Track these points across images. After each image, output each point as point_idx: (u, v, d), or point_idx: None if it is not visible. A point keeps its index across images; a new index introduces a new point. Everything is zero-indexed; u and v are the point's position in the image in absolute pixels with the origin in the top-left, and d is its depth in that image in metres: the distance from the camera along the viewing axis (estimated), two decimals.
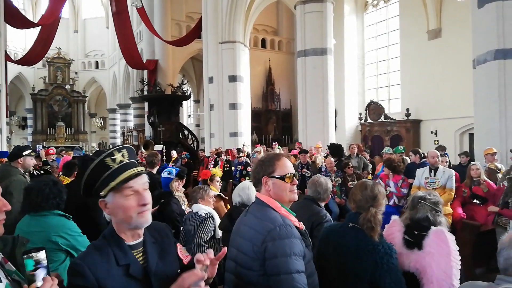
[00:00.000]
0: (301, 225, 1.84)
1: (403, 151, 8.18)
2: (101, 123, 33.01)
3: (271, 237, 1.69)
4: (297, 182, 1.95)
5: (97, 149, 19.19)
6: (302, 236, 1.80)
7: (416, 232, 2.28)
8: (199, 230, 3.39)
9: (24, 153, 4.43)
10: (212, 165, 10.31)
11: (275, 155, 1.96)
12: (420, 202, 2.38)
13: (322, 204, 3.01)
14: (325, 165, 7.35)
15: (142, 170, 1.46)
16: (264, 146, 11.19)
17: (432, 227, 2.25)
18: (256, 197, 1.93)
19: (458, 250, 2.14)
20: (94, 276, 1.29)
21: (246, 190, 3.20)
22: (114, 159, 1.40)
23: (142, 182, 1.42)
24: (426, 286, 2.13)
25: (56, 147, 15.83)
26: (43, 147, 20.03)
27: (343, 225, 2.22)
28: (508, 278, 1.50)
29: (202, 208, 3.54)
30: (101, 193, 1.37)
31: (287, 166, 1.89)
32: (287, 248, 1.68)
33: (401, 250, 2.25)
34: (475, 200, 5.33)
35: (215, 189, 4.43)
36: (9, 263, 1.29)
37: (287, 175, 1.84)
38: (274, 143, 12.85)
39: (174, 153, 11.67)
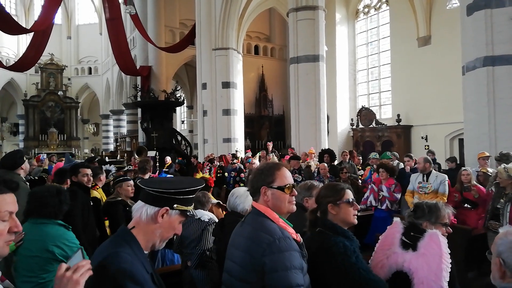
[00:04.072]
0: (299, 237, 1.80)
1: (390, 158, 8.31)
2: (94, 129, 32.86)
3: (271, 251, 1.65)
4: (296, 193, 1.90)
5: (92, 155, 19.07)
6: (299, 248, 1.77)
7: (412, 234, 2.30)
8: (205, 236, 3.27)
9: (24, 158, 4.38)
10: (208, 171, 10.31)
11: (275, 164, 1.91)
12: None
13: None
14: (320, 170, 7.42)
15: None
16: (264, 153, 11.11)
17: (428, 230, 2.29)
18: (253, 207, 1.88)
19: (450, 254, 2.18)
20: (145, 282, 1.42)
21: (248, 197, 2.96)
22: (198, 190, 1.68)
23: None
24: (416, 286, 2.15)
25: (48, 154, 15.73)
26: (35, 153, 19.88)
27: (313, 232, 2.16)
28: None
29: (205, 214, 3.44)
30: (174, 205, 1.55)
31: (287, 176, 1.85)
32: (287, 261, 1.65)
33: (397, 250, 2.27)
34: (466, 205, 5.41)
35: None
36: (6, 280, 1.30)
37: (287, 186, 1.81)
38: (268, 143, 12.84)
39: (168, 159, 11.66)
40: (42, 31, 17.20)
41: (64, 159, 11.21)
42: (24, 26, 20.08)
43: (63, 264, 1.24)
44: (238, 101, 15.86)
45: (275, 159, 9.25)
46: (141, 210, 1.55)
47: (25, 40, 25.72)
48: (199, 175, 9.38)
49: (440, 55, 14.36)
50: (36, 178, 5.57)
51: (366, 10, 19.12)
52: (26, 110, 26.71)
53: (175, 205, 1.54)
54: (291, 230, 1.78)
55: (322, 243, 2.01)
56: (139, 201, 1.59)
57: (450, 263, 2.16)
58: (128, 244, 1.48)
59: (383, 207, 5.83)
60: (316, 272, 2.00)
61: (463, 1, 7.70)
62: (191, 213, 1.64)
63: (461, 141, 13.33)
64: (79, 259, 1.26)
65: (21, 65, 19.03)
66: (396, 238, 2.35)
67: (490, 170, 5.93)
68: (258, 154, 10.86)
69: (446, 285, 2.12)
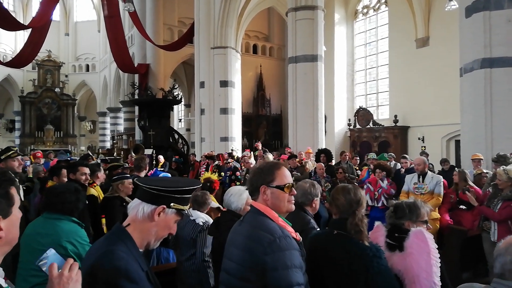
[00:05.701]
0: (298, 236, 1.81)
1: (387, 159, 8.37)
2: (90, 126, 32.77)
3: (272, 249, 1.65)
4: (295, 192, 1.91)
5: (88, 153, 19.01)
6: (299, 247, 1.78)
7: (396, 235, 2.32)
8: (200, 243, 3.21)
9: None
10: (204, 169, 10.27)
11: (275, 164, 1.92)
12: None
13: (308, 208, 2.95)
14: (316, 170, 7.42)
15: None
16: (261, 152, 11.10)
17: (412, 229, 2.30)
18: (252, 206, 1.87)
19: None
20: (140, 280, 1.42)
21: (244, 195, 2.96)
22: (194, 190, 1.67)
23: None
24: (408, 286, 2.16)
25: (44, 151, 15.65)
26: (30, 150, 19.77)
27: (328, 233, 2.19)
28: (505, 282, 1.55)
29: (200, 216, 3.37)
30: (171, 204, 1.55)
31: (287, 175, 1.85)
32: (288, 260, 1.66)
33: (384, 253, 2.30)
34: (461, 206, 5.42)
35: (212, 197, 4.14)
36: (8, 280, 1.30)
37: (286, 185, 1.81)
38: (256, 143, 12.83)
39: (161, 158, 11.54)
40: (40, 28, 17.13)
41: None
42: (22, 22, 20.02)
43: (54, 264, 1.23)
44: (236, 100, 15.86)
45: (270, 158, 9.24)
46: (137, 208, 1.54)
47: (22, 36, 25.65)
48: (206, 174, 9.36)
49: (438, 57, 14.39)
50: (24, 188, 5.42)
51: (365, 10, 19.14)
52: (22, 107, 26.57)
53: (172, 204, 1.54)
54: (290, 229, 1.79)
55: (346, 245, 2.04)
56: (136, 199, 1.58)
57: (439, 257, 2.18)
58: (123, 242, 1.47)
59: (379, 204, 5.87)
60: (323, 272, 2.03)
61: (461, 3, 7.72)
62: (186, 212, 1.63)
63: (457, 143, 13.36)
64: (59, 257, 1.26)
65: (18, 62, 18.94)
66: (380, 241, 2.36)
67: (485, 171, 5.96)
68: (248, 153, 10.83)
69: (439, 280, 2.13)
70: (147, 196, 1.54)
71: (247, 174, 8.02)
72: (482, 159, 6.47)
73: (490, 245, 4.42)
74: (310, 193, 2.92)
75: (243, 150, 14.21)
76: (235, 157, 11.17)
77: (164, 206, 1.53)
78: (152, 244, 1.58)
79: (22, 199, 4.52)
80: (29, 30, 18.12)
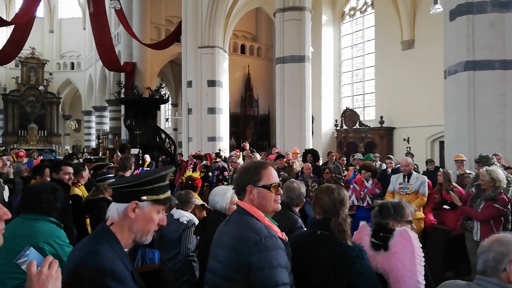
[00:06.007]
0: (284, 236, 1.80)
1: (373, 159, 8.48)
2: (75, 125, 32.27)
3: (258, 249, 1.64)
4: (281, 192, 1.90)
5: (71, 152, 18.71)
6: (285, 247, 1.76)
7: (381, 234, 2.33)
8: (184, 240, 3.21)
9: None
10: (191, 169, 10.21)
11: (261, 163, 1.91)
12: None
13: (296, 209, 2.99)
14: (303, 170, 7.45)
15: None
16: (248, 152, 11.11)
17: (397, 228, 2.31)
18: (238, 206, 1.87)
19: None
20: (126, 280, 1.39)
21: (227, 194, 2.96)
22: (167, 175, 1.56)
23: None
24: (393, 285, 2.17)
25: (27, 150, 15.38)
26: (12, 149, 19.37)
27: (311, 234, 2.18)
28: (486, 279, 1.60)
29: (184, 215, 3.36)
30: (143, 197, 1.49)
31: (273, 175, 1.84)
32: (274, 260, 1.65)
33: (369, 252, 2.27)
34: (445, 206, 5.50)
35: (196, 195, 4.17)
36: None
37: (273, 185, 1.80)
38: (244, 143, 12.87)
39: (147, 158, 11.43)
40: (23, 24, 16.82)
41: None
42: (5, 19, 19.60)
43: (33, 261, 1.19)
44: (223, 100, 15.84)
45: (258, 158, 9.26)
46: (112, 209, 1.53)
47: (5, 33, 25.10)
48: (187, 173, 9.32)
49: (423, 59, 14.60)
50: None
51: (352, 12, 19.32)
52: (5, 105, 26.04)
53: (143, 197, 1.50)
54: (276, 228, 1.77)
55: (329, 245, 2.04)
56: (112, 202, 1.58)
57: (423, 256, 2.19)
58: (107, 241, 1.45)
59: (364, 204, 5.92)
60: (307, 272, 2.02)
61: (446, 6, 7.86)
62: (171, 200, 1.58)
63: (441, 144, 13.58)
64: (39, 255, 1.23)
65: (0, 59, 18.53)
66: (365, 241, 2.36)
67: (468, 171, 6.07)
68: (236, 153, 10.83)
69: (423, 279, 2.15)
70: (117, 196, 1.53)
71: (235, 174, 8.01)
72: (465, 160, 6.59)
73: (473, 245, 4.51)
74: (303, 194, 3.02)
75: (230, 150, 14.18)
76: (223, 157, 11.14)
77: (136, 202, 1.50)
78: (140, 239, 1.54)
79: (6, 200, 4.43)
80: (12, 26, 17.77)
